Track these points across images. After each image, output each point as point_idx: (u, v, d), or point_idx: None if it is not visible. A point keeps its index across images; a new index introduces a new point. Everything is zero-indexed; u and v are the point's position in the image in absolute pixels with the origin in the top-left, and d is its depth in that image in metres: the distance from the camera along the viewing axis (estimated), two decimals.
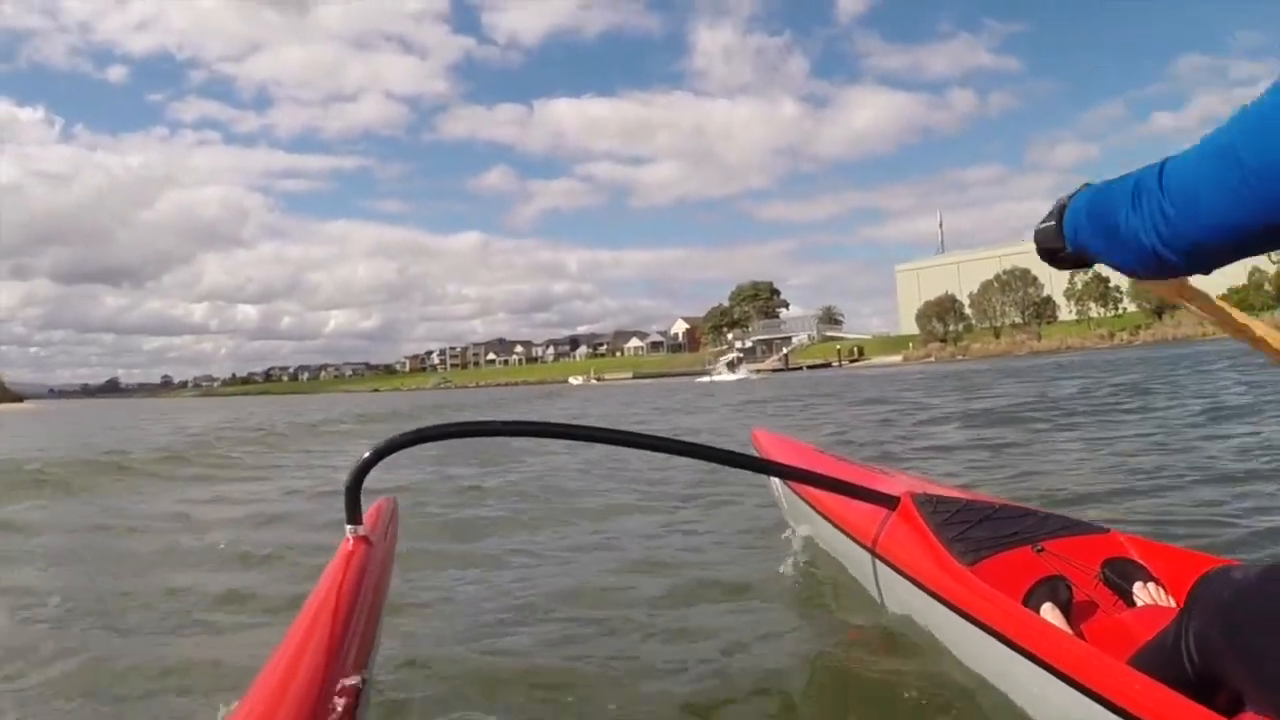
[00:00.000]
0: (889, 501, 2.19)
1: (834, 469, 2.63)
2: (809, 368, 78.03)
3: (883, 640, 2.19)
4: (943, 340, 78.64)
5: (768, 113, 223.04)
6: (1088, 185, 1.25)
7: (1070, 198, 1.27)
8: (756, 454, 2.99)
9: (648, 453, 2.26)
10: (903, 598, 2.09)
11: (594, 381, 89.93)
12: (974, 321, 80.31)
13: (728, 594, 2.88)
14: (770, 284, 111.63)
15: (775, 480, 3.03)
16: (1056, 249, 1.29)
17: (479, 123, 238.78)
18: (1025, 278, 76.50)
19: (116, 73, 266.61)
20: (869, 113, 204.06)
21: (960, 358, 68.12)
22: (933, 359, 70.44)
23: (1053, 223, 1.28)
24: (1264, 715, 1.11)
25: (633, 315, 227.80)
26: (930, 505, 2.10)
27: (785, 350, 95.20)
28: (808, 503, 2.67)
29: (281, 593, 3.14)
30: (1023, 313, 77.05)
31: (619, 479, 6.15)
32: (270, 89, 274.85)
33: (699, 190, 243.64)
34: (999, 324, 77.94)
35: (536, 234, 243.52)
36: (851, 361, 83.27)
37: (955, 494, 2.34)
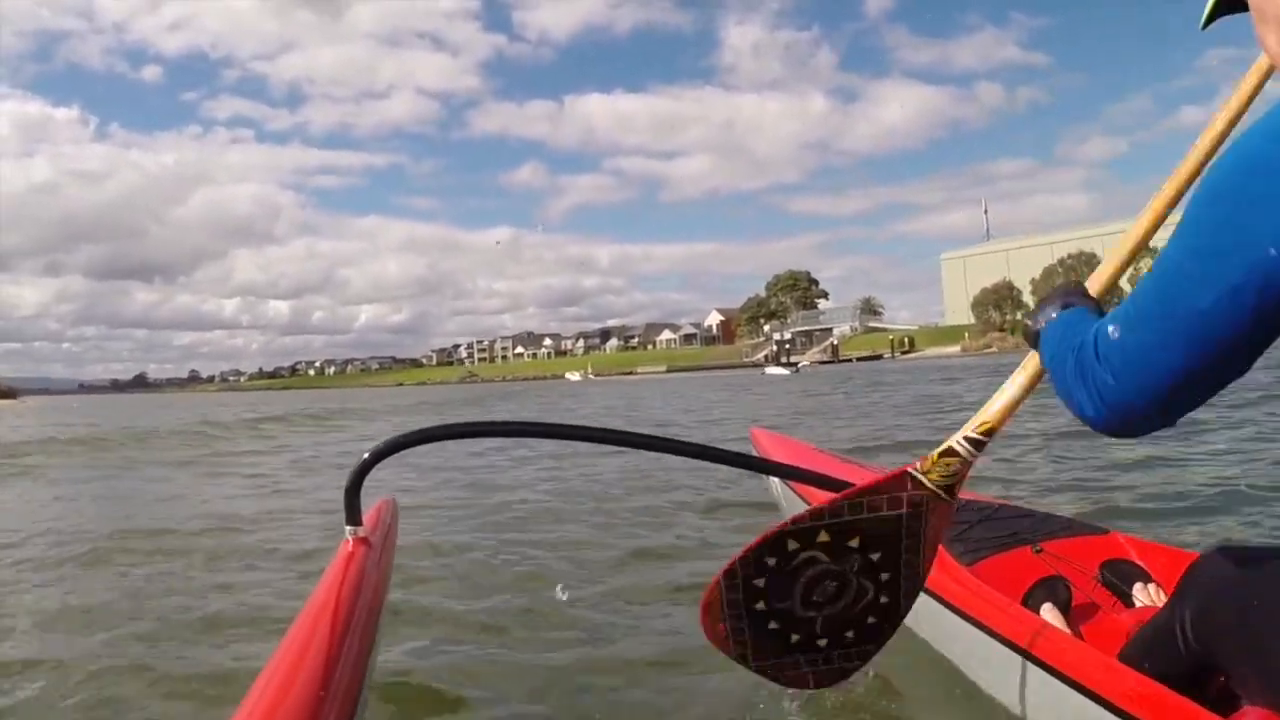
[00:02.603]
0: None
1: (834, 468, 2.68)
2: (858, 359, 77.05)
3: None
4: (1001, 329, 77.07)
5: (797, 107, 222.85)
6: (1070, 300, 1.18)
7: (1061, 306, 1.19)
8: (756, 454, 3.07)
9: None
10: None
11: (592, 378, 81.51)
12: None
13: None
14: (808, 273, 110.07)
15: (775, 480, 3.09)
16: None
17: (510, 119, 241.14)
18: (1091, 263, 74.65)
19: (151, 72, 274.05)
20: (897, 106, 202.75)
21: None
22: (994, 349, 69.00)
23: (1031, 324, 1.24)
24: (1263, 709, 1.11)
25: (663, 309, 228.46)
26: None
27: (831, 341, 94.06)
28: (808, 503, 2.74)
29: None
30: None
31: (612, 480, 6.22)
32: (303, 87, 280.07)
33: (729, 184, 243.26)
34: None
35: (567, 229, 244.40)
36: (904, 353, 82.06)
37: None
